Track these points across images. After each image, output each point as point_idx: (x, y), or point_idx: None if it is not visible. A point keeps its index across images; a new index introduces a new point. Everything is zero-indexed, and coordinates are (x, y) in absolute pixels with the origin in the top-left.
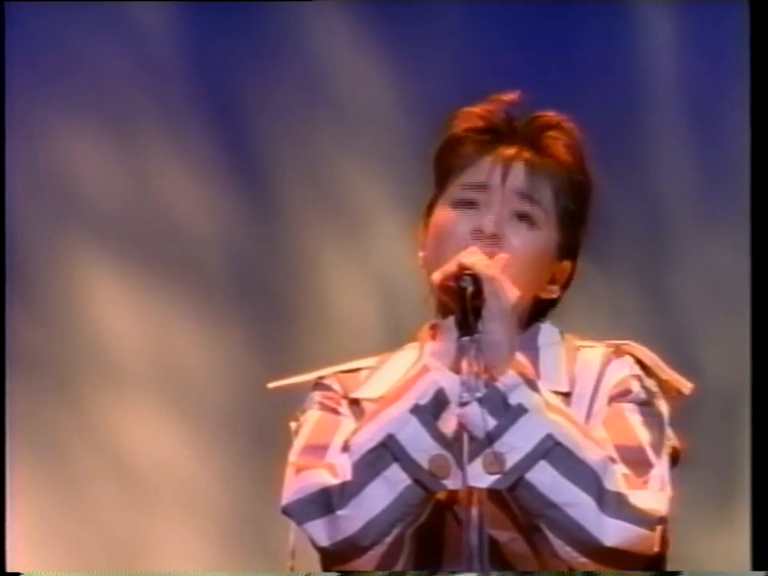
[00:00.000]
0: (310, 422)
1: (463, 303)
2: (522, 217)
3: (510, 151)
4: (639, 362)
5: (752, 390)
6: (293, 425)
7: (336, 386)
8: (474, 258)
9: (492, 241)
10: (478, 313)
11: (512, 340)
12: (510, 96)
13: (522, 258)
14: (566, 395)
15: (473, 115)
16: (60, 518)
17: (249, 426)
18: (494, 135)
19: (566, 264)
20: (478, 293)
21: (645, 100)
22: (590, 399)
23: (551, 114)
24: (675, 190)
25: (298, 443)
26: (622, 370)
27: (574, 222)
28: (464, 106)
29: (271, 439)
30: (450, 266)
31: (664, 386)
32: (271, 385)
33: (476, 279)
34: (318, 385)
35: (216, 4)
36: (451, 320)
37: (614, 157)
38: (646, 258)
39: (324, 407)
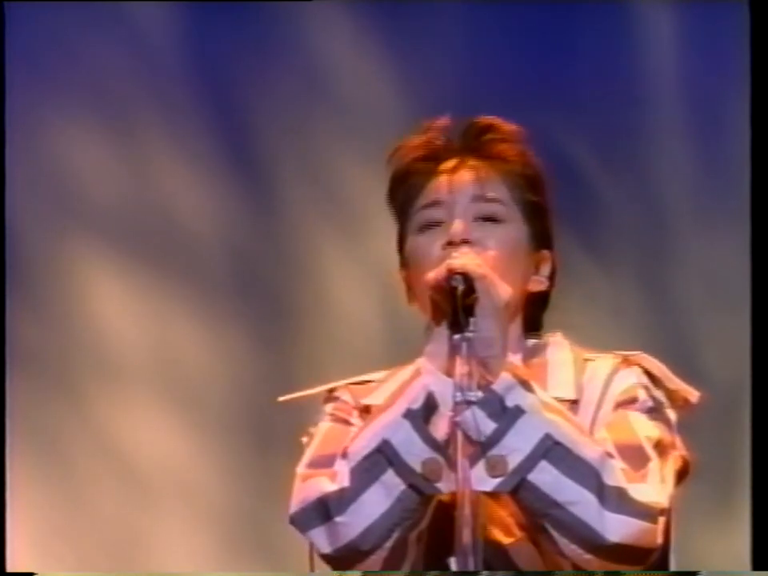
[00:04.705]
0: (320, 433)
1: (454, 302)
2: (486, 218)
3: (452, 163)
4: (647, 373)
5: (752, 390)
6: (304, 440)
7: (346, 397)
8: (463, 258)
9: (465, 247)
10: (469, 311)
11: (504, 337)
12: (443, 121)
13: (500, 255)
14: (574, 402)
15: (412, 147)
16: (60, 518)
17: (249, 424)
18: (437, 158)
19: (545, 253)
20: (470, 291)
21: (645, 100)
22: (595, 406)
23: (483, 118)
24: (675, 190)
25: (308, 454)
26: (630, 379)
27: (539, 212)
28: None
29: (272, 438)
30: (441, 269)
31: (672, 395)
32: (282, 398)
33: (467, 278)
34: (329, 398)
35: (216, 4)
36: (444, 320)
37: (614, 157)
38: (646, 258)
39: (335, 418)
